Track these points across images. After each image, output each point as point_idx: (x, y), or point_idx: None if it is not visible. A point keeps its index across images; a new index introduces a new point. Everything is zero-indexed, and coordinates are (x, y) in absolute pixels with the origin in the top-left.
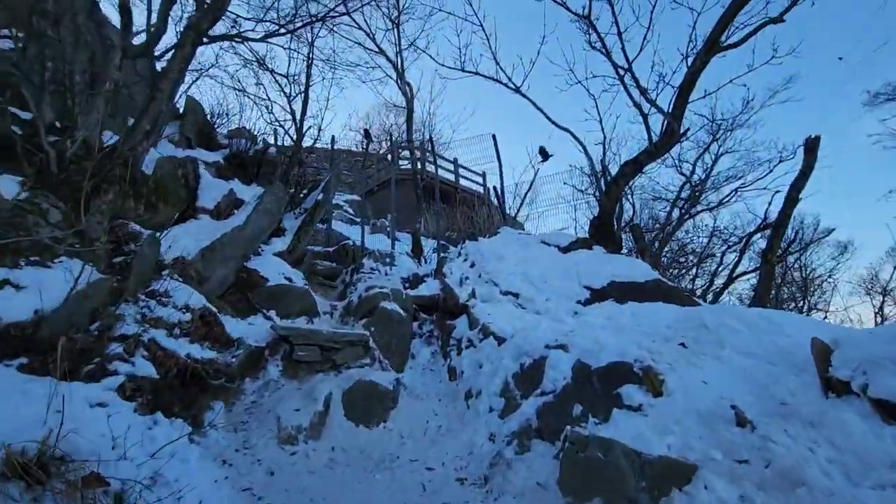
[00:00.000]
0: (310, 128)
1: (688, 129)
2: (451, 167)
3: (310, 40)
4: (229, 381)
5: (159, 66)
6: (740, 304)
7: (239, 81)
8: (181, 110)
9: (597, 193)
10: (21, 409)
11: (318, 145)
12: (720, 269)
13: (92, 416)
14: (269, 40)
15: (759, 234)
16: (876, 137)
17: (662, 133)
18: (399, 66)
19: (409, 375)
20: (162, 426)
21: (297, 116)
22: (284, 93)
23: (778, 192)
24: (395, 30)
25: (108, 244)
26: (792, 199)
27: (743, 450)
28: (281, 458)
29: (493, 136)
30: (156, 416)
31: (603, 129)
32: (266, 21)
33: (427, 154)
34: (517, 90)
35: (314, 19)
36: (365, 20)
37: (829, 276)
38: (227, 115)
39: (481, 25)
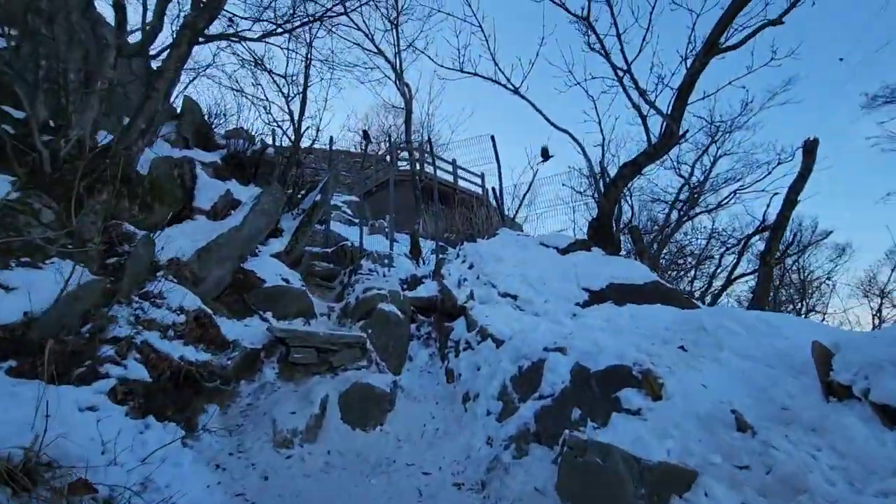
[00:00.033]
0: (308, 128)
1: (687, 130)
2: (450, 168)
3: (308, 40)
4: (224, 384)
5: (155, 65)
6: (739, 306)
7: (237, 81)
8: (179, 110)
9: (595, 195)
10: (9, 412)
11: (316, 146)
12: (719, 270)
13: (81, 420)
14: (267, 40)
15: (757, 236)
16: (874, 140)
17: (661, 135)
18: (398, 66)
19: (407, 378)
20: (154, 430)
21: (296, 117)
22: (282, 93)
23: (776, 194)
24: (394, 30)
25: (102, 245)
26: (790, 202)
27: (743, 454)
28: (276, 462)
29: (492, 137)
30: (148, 420)
31: (602, 131)
32: (263, 21)
33: (426, 155)
34: (516, 91)
35: (312, 19)
36: (363, 20)
37: (828, 279)
38: (224, 115)
39: (480, 26)
